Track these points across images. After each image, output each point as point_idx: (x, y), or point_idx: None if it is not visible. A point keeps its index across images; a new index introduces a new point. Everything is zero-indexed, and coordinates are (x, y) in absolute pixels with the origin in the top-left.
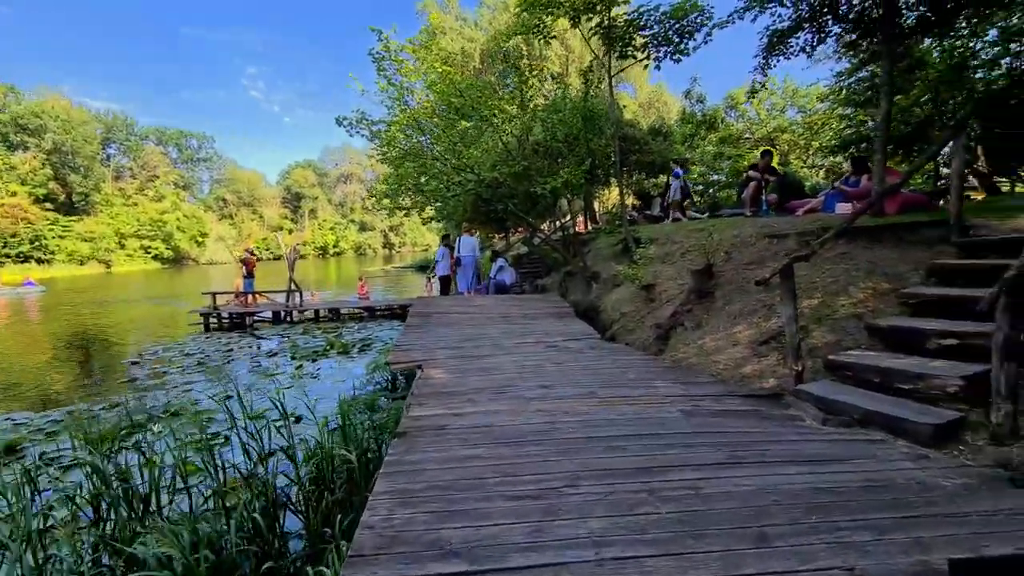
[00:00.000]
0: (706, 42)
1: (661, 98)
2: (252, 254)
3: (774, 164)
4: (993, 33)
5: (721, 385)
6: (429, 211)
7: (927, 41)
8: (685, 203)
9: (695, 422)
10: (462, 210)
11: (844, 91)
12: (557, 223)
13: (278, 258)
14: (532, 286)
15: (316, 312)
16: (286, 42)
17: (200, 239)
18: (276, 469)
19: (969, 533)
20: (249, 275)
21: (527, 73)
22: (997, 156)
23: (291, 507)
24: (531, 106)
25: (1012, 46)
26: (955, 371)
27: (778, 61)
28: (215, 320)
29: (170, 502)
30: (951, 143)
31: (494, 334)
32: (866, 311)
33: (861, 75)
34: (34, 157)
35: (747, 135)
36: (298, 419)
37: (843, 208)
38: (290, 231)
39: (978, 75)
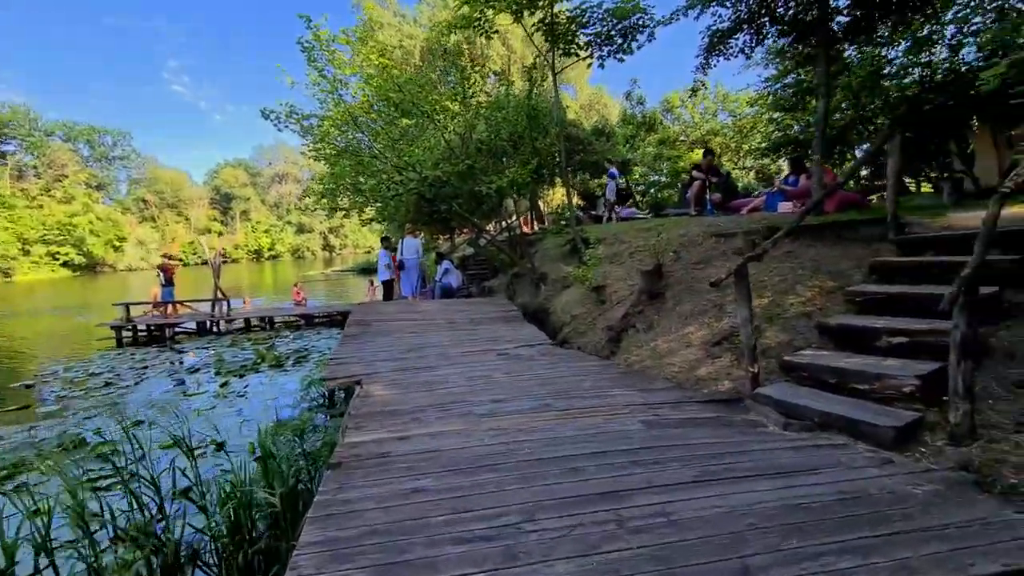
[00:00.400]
0: (649, 40)
1: (601, 100)
2: (171, 260)
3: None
4: (906, 43)
5: (678, 391)
6: (369, 212)
7: (850, 49)
8: (628, 203)
9: (657, 434)
10: (404, 211)
11: (772, 96)
12: (503, 223)
13: (206, 262)
14: (479, 288)
15: (247, 321)
16: (213, 33)
17: (118, 244)
18: (183, 516)
19: (951, 550)
20: (168, 283)
21: (469, 69)
22: (905, 158)
23: (201, 565)
24: (474, 103)
25: (922, 55)
26: (909, 370)
27: (718, 61)
28: (129, 333)
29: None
30: (887, 142)
31: (440, 343)
32: (815, 309)
33: (787, 81)
34: None
35: (682, 137)
36: (220, 446)
37: (785, 207)
38: (220, 234)
39: (893, 82)
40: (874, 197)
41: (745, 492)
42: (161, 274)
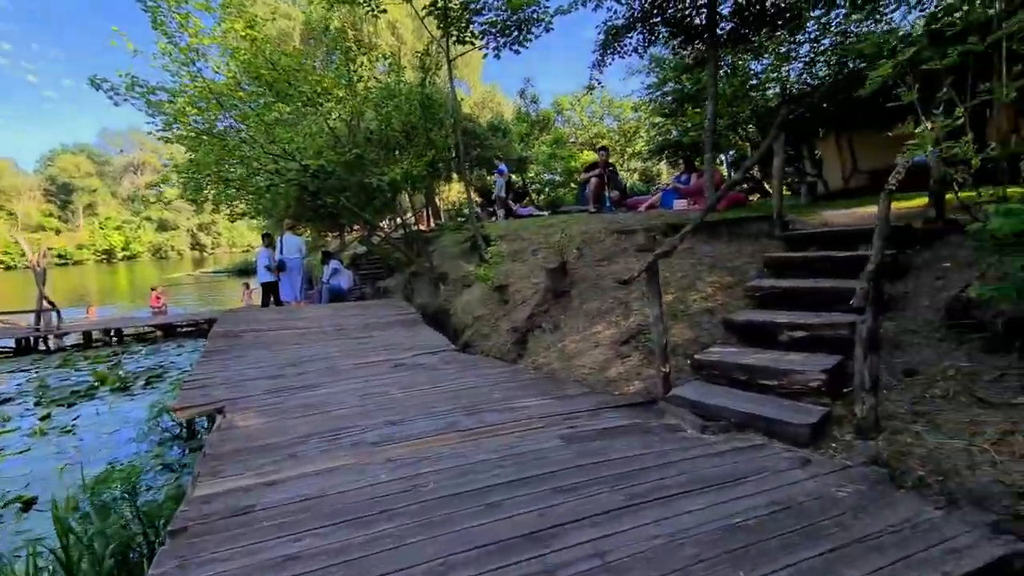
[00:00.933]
0: (547, 31)
1: (495, 98)
2: None
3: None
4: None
5: (593, 396)
6: (240, 206)
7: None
8: (525, 201)
9: (577, 450)
10: (284, 204)
11: (653, 103)
12: (398, 220)
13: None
14: (373, 289)
15: (86, 336)
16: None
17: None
18: None
19: (891, 564)
20: None
21: (355, 50)
22: (766, 164)
23: None
24: (361, 88)
25: (782, 70)
26: (813, 365)
27: (613, 59)
28: None
29: None
30: (775, 143)
31: (327, 354)
32: (717, 305)
33: (666, 89)
34: None
35: (572, 139)
36: (27, 504)
37: (680, 204)
38: (58, 231)
39: (758, 93)
40: (754, 197)
41: (680, 514)
42: None
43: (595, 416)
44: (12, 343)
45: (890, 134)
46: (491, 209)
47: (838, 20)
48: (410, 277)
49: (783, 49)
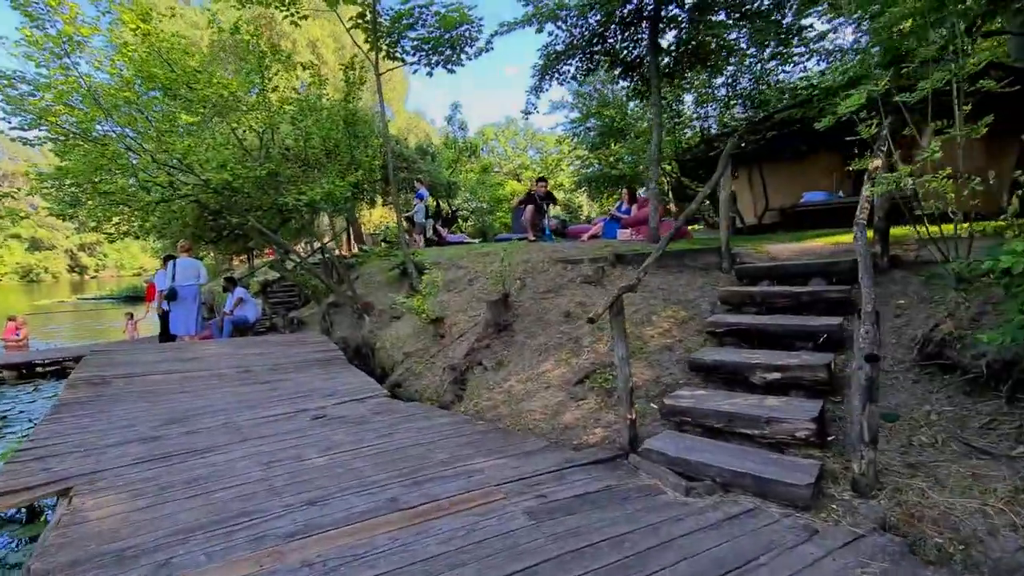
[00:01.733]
0: (487, 50)
1: (419, 126)
2: None
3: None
4: (692, 97)
5: (553, 452)
6: (123, 225)
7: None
8: (452, 227)
9: (551, 531)
10: (180, 224)
11: (577, 136)
12: (315, 244)
13: None
14: (285, 320)
15: None
16: None
17: None
18: None
19: None
20: None
21: (269, 56)
22: (684, 198)
23: None
24: (275, 99)
25: (700, 110)
26: (798, 412)
27: (551, 85)
28: None
29: None
30: (722, 176)
31: (225, 405)
32: (674, 342)
33: (588, 124)
34: None
35: (496, 169)
36: None
37: (623, 234)
38: None
39: (684, 131)
40: (691, 228)
41: None
42: None
43: (561, 480)
44: None
45: (802, 170)
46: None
47: (755, 63)
48: (329, 307)
49: (705, 89)
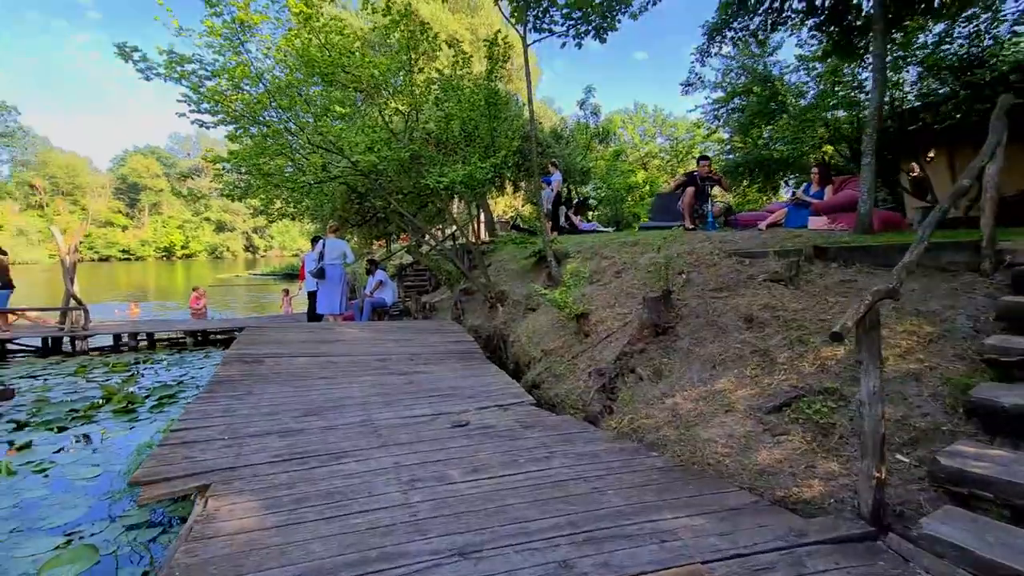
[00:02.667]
0: (644, 10)
1: (546, 115)
2: (3, 253)
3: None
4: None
5: (768, 512)
6: (284, 206)
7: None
8: (583, 216)
9: None
10: (330, 207)
11: (719, 119)
12: (448, 230)
13: (105, 259)
14: (418, 305)
15: (116, 338)
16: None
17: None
18: None
19: None
20: (3, 284)
21: (418, 34)
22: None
23: None
24: (422, 79)
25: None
26: None
27: (719, 48)
28: None
29: None
30: (998, 144)
31: (365, 398)
32: (922, 368)
33: (734, 104)
34: None
35: (622, 157)
36: None
37: (816, 222)
38: (125, 228)
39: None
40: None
41: None
42: None
43: (798, 568)
44: (39, 342)
45: None
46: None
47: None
48: (461, 294)
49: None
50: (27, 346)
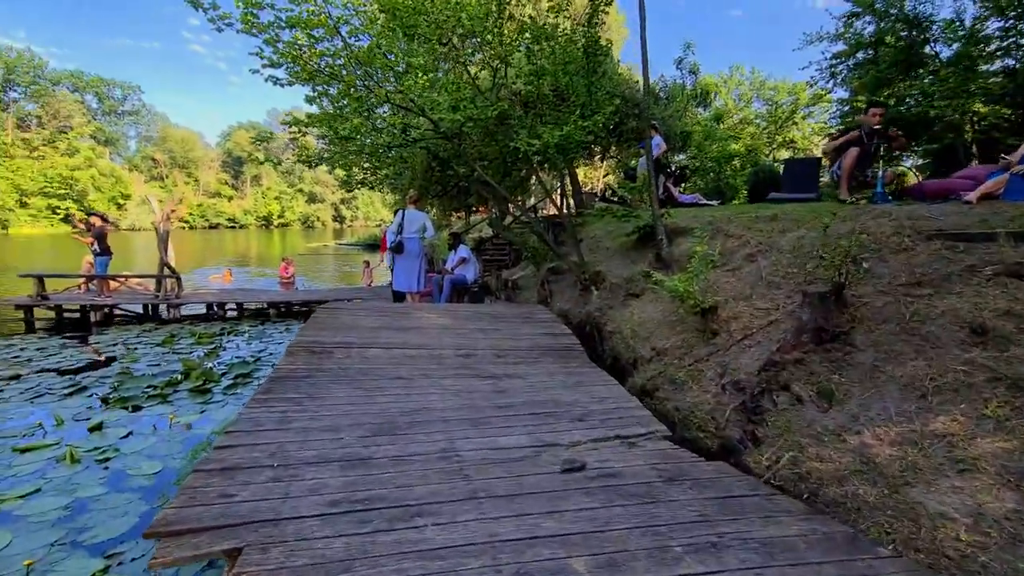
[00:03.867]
0: None
1: (634, 79)
2: (105, 220)
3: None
4: None
5: None
6: (362, 174)
7: None
8: (683, 186)
9: None
10: (409, 176)
11: (836, 76)
12: (530, 201)
13: (215, 227)
14: (499, 282)
15: (209, 307)
16: None
17: (121, 202)
18: None
19: None
20: (103, 251)
21: None
22: None
23: None
24: (511, 28)
25: None
26: None
27: None
28: (51, 315)
29: None
30: None
31: (445, 411)
32: None
33: (859, 58)
34: None
35: (721, 122)
36: None
37: None
38: (230, 198)
39: None
40: None
41: None
42: (92, 238)
43: None
44: (140, 308)
45: None
46: (623, 196)
47: None
48: (548, 273)
49: None
50: (128, 311)
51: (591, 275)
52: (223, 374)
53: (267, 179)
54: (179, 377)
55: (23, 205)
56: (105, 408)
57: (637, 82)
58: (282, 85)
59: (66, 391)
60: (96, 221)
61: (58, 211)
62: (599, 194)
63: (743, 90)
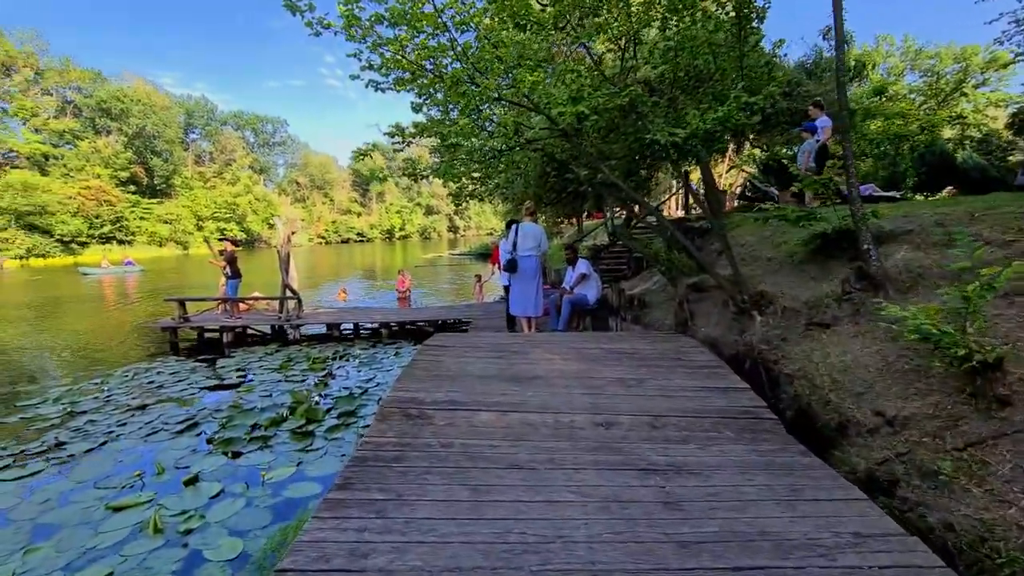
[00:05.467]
0: None
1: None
2: (235, 243)
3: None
4: None
5: None
6: (471, 184)
7: None
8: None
9: None
10: (522, 183)
11: None
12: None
13: (345, 241)
14: (622, 299)
15: (329, 327)
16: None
17: (272, 222)
18: None
19: None
20: (233, 274)
21: None
22: None
23: None
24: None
25: None
26: None
27: None
28: (194, 336)
29: None
30: None
31: (589, 540)
32: None
33: None
34: (116, 141)
35: (885, 95)
36: None
37: None
38: (359, 215)
39: None
40: None
41: None
42: (223, 261)
43: None
44: (268, 330)
45: None
46: (773, 190)
47: None
48: (688, 291)
49: None
50: (257, 332)
51: (753, 296)
52: (328, 410)
53: (389, 195)
54: (285, 413)
55: (199, 228)
56: (209, 451)
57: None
58: (382, 90)
59: (180, 426)
60: (228, 246)
61: (225, 233)
62: (740, 191)
63: (892, 63)
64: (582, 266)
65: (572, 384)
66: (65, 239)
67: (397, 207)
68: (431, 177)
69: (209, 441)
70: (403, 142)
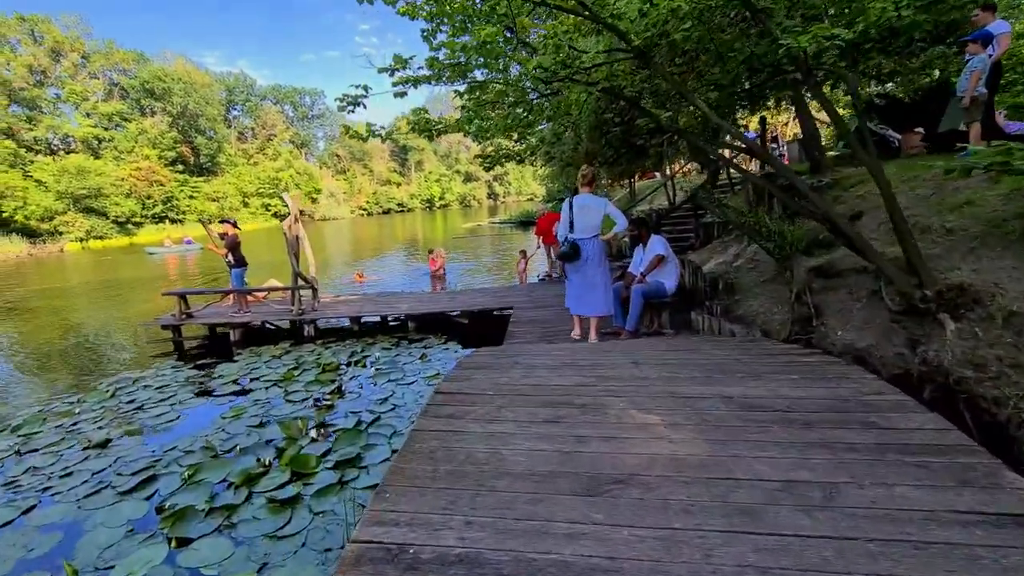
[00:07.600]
0: None
1: None
2: (235, 225)
3: None
4: None
5: None
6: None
7: None
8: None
9: None
10: (572, 139)
11: None
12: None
13: (387, 212)
14: (699, 280)
15: (357, 321)
16: None
17: (314, 195)
18: None
19: None
20: (237, 262)
21: None
22: None
23: None
24: None
25: None
26: None
27: None
28: (205, 331)
29: None
30: None
31: None
32: None
33: None
34: (161, 121)
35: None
36: None
37: None
38: (398, 184)
39: None
40: None
41: None
42: (225, 248)
43: None
44: (287, 323)
45: None
46: (890, 134)
47: None
48: (811, 276)
49: None
50: (271, 325)
51: (938, 292)
52: (324, 455)
53: (428, 163)
54: (268, 460)
55: (245, 205)
56: (152, 531)
57: None
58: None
59: (133, 480)
60: (229, 230)
61: (269, 208)
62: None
63: None
64: (658, 245)
65: (698, 497)
66: (120, 220)
67: (436, 175)
68: (449, 132)
69: (159, 510)
70: (407, 83)
